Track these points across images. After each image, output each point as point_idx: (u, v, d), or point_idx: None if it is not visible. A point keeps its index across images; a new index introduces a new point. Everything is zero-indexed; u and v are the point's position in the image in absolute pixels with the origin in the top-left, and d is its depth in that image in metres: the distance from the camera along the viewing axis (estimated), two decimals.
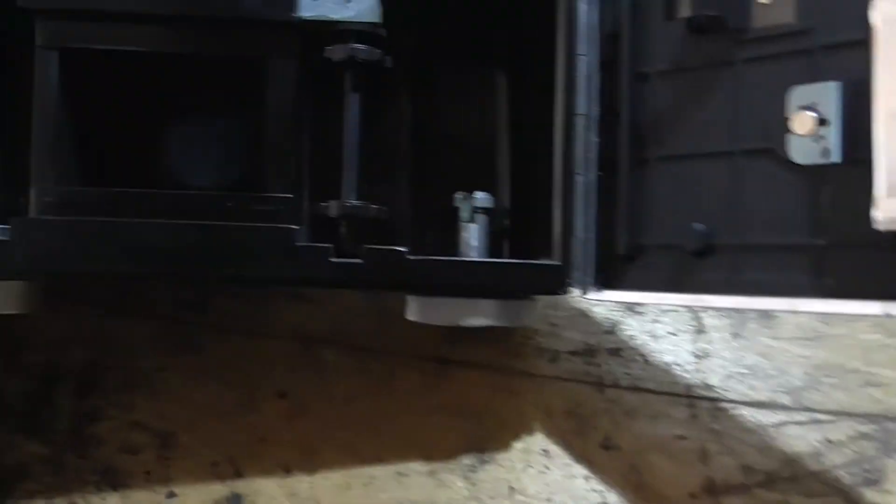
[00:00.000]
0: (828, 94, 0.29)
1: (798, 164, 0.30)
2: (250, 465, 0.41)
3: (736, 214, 0.32)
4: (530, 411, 0.42)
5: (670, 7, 0.32)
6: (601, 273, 0.35)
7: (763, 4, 0.32)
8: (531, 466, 0.41)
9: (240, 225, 0.33)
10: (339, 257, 0.34)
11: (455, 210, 0.37)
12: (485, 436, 0.42)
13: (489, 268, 0.34)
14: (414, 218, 0.38)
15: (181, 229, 0.32)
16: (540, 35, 0.35)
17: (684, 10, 0.32)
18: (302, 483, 0.40)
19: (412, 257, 0.33)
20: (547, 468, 0.41)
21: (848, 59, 0.29)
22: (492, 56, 0.39)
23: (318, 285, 0.39)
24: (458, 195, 0.37)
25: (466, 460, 0.41)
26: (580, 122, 0.34)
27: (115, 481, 0.40)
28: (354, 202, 0.35)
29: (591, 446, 0.41)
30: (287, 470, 0.40)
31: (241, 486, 0.40)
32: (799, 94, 0.30)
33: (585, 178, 0.34)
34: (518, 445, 0.41)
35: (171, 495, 0.40)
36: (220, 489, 0.40)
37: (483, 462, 0.41)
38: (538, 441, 0.41)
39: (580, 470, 0.41)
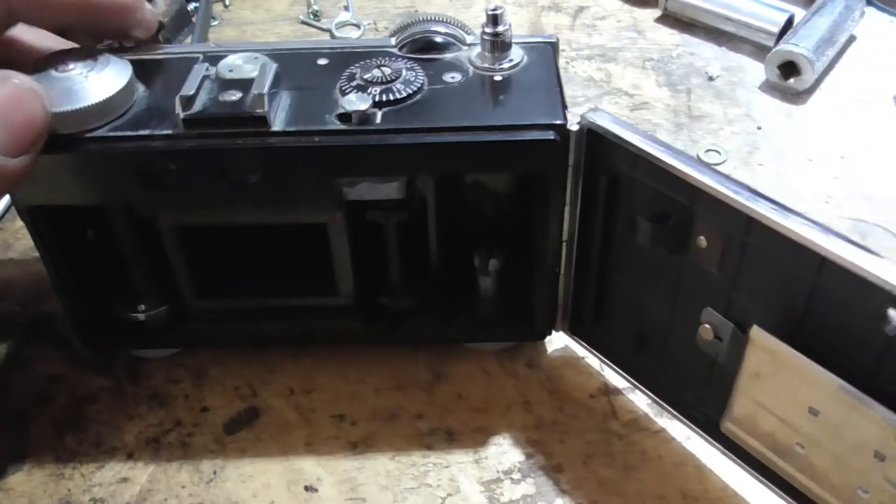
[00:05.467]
0: (726, 327, 0.38)
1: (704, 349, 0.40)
2: (263, 388, 0.47)
3: (663, 334, 0.43)
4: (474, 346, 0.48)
5: (634, 232, 0.38)
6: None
7: (702, 249, 0.37)
8: (473, 380, 0.47)
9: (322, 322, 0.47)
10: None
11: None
12: (440, 363, 0.48)
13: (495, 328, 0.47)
14: (443, 275, 0.47)
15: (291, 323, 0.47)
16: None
17: (643, 239, 0.37)
18: (302, 398, 0.46)
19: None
20: (487, 382, 0.47)
21: (747, 308, 0.37)
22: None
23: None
24: (477, 257, 0.46)
25: (426, 378, 0.47)
26: (565, 247, 0.43)
27: (161, 402, 0.47)
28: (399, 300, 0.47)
29: (518, 366, 0.48)
30: (291, 391, 0.47)
31: (257, 401, 0.46)
32: (707, 313, 0.38)
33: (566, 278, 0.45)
34: (463, 366, 0.48)
35: (205, 409, 0.46)
36: (240, 404, 0.46)
37: (438, 379, 0.47)
38: (479, 364, 0.48)
39: (511, 381, 0.47)
